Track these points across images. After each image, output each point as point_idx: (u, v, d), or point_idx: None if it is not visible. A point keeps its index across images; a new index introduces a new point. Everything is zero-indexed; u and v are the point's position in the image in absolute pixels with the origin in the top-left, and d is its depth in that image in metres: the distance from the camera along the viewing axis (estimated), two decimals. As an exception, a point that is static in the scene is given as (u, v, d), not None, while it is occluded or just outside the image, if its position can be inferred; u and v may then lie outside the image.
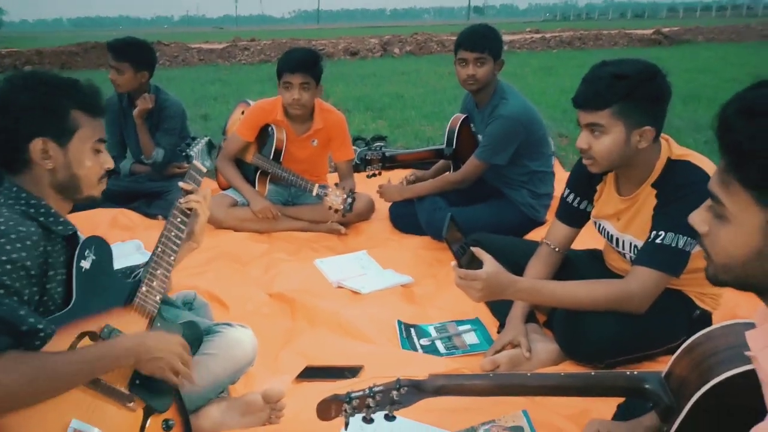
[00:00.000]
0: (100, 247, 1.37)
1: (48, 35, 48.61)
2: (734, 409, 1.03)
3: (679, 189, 1.64)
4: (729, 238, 0.84)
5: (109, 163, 1.39)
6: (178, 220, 1.53)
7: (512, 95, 2.75)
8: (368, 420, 1.22)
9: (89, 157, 1.33)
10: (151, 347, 1.29)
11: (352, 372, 1.80)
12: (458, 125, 3.00)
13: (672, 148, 1.74)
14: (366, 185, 3.48)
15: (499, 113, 2.68)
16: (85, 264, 1.32)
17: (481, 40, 2.67)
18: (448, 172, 3.01)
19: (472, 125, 2.97)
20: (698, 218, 0.90)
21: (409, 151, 3.06)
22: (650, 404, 1.21)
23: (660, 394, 1.17)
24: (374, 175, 3.02)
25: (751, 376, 0.96)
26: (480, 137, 2.83)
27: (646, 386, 1.19)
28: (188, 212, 1.53)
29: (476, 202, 2.86)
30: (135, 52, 3.19)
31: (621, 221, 1.83)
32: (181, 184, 1.54)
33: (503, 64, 2.74)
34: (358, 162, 3.06)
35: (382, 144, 4.76)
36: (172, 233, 1.51)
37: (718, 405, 1.08)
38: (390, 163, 3.01)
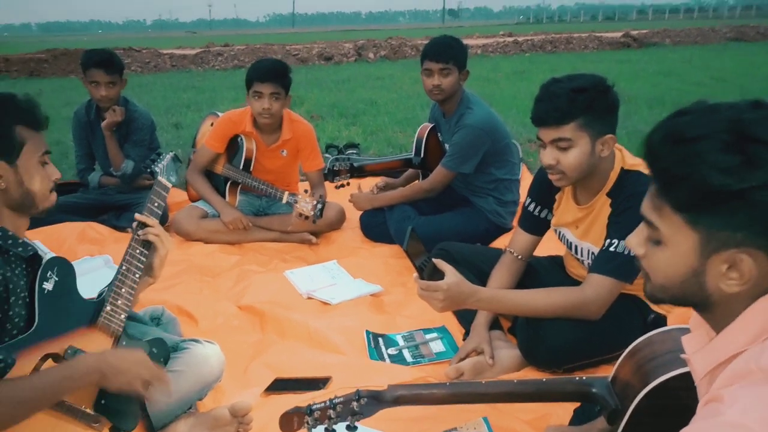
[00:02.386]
0: (63, 268, 1.37)
1: (15, 40, 47.57)
2: (674, 409, 1.08)
3: (631, 198, 1.71)
4: (665, 260, 0.88)
5: (56, 174, 1.40)
6: (138, 252, 1.52)
7: (477, 105, 2.81)
8: (330, 431, 1.26)
9: (38, 171, 1.34)
10: (115, 362, 1.28)
11: (320, 383, 1.83)
12: (426, 135, 3.06)
13: (625, 158, 1.81)
14: (337, 195, 3.52)
15: (464, 123, 2.74)
16: (48, 285, 1.32)
17: (445, 51, 2.73)
18: (417, 181, 3.06)
19: (439, 134, 3.03)
20: (634, 241, 0.93)
21: (377, 161, 3.11)
22: (598, 408, 1.27)
23: (606, 397, 1.23)
24: (342, 185, 3.06)
25: (688, 378, 1.02)
26: (447, 146, 2.89)
27: (593, 390, 1.25)
28: (148, 243, 1.51)
29: (445, 210, 2.91)
30: (120, 62, 3.20)
31: (579, 229, 1.90)
32: (137, 216, 1.52)
33: (468, 74, 2.81)
34: (325, 173, 3.10)
35: (354, 152, 4.80)
36: (137, 251, 1.52)
37: (659, 406, 1.14)
38: (358, 173, 3.05)
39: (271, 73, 2.81)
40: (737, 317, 0.85)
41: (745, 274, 0.81)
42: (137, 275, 1.49)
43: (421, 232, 2.38)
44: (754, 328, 0.83)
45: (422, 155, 3.06)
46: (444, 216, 2.87)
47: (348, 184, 3.07)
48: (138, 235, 1.49)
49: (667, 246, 0.87)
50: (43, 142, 1.37)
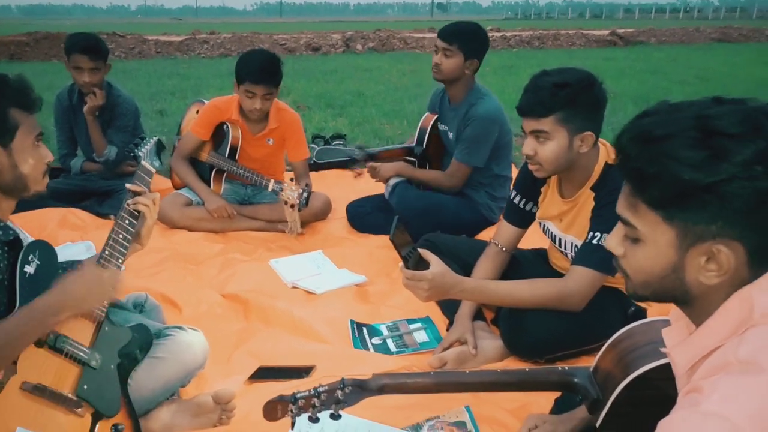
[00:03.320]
0: (45, 252, 1.36)
1: (-5, 23, 46.50)
2: (654, 400, 1.11)
3: (614, 192, 1.70)
4: (645, 257, 0.90)
5: (49, 156, 1.38)
6: (126, 222, 1.53)
7: (488, 96, 2.80)
8: (314, 419, 1.26)
9: (32, 154, 1.33)
10: (74, 292, 1.27)
11: (304, 372, 1.83)
12: (430, 125, 3.02)
13: (609, 153, 1.83)
14: (324, 185, 3.51)
15: (476, 113, 2.72)
16: (29, 269, 1.31)
17: (452, 33, 2.73)
18: (439, 171, 2.99)
19: (440, 124, 3.01)
20: (613, 242, 0.95)
21: (386, 149, 3.16)
22: (579, 397, 1.29)
23: (588, 387, 1.25)
24: (360, 174, 3.07)
25: (668, 369, 1.04)
26: (450, 134, 2.88)
27: (575, 380, 1.27)
28: (136, 214, 1.52)
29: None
30: (105, 47, 3.14)
31: (563, 222, 1.92)
32: (128, 185, 1.52)
33: (476, 64, 2.75)
34: (345, 160, 3.11)
35: (341, 142, 4.78)
36: (120, 235, 1.50)
37: (640, 396, 1.16)
38: (373, 160, 3.05)
39: (265, 75, 2.75)
40: (715, 312, 0.87)
41: (723, 265, 0.83)
42: (121, 260, 1.47)
43: (415, 203, 2.43)
44: (731, 322, 0.85)
45: (424, 146, 3.05)
46: (439, 196, 2.87)
47: (362, 173, 3.07)
48: (128, 205, 1.48)
49: (646, 243, 0.89)
50: (36, 124, 1.35)
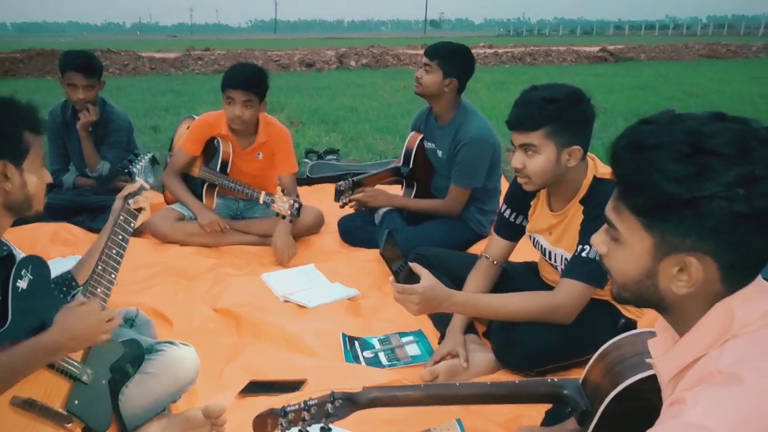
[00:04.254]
0: (38, 267, 1.36)
1: (-10, 40, 46.55)
2: (642, 411, 1.11)
3: (602, 206, 1.74)
4: (623, 260, 0.92)
5: (49, 177, 1.43)
6: (120, 237, 1.54)
7: (475, 115, 2.82)
8: (304, 433, 1.26)
9: (38, 175, 1.37)
10: (69, 329, 1.28)
11: (295, 386, 1.83)
12: (416, 145, 3.02)
13: (597, 167, 1.86)
14: (316, 199, 3.52)
15: (467, 136, 2.73)
16: (22, 284, 1.31)
17: (434, 50, 2.77)
18: (436, 200, 2.97)
19: (426, 143, 3.03)
20: (598, 240, 0.98)
21: (372, 174, 3.13)
22: (569, 409, 1.30)
23: (577, 399, 1.26)
24: (346, 203, 3.03)
25: (655, 380, 1.05)
26: (440, 152, 2.90)
27: (565, 392, 1.28)
28: (136, 213, 1.58)
29: (430, 219, 2.92)
30: (100, 65, 3.17)
31: (553, 235, 1.94)
32: (124, 190, 1.61)
33: (456, 83, 2.75)
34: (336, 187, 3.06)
35: (333, 157, 4.81)
36: (113, 251, 1.51)
37: (628, 407, 1.17)
38: (357, 187, 3.04)
39: (244, 81, 2.79)
40: (697, 322, 0.88)
41: (692, 277, 0.85)
42: (113, 275, 1.49)
43: (406, 243, 2.42)
44: (712, 332, 0.86)
45: (410, 166, 3.06)
46: (428, 226, 2.87)
47: (350, 201, 3.04)
48: (128, 204, 1.57)
49: (625, 246, 0.91)
50: (43, 146, 1.40)
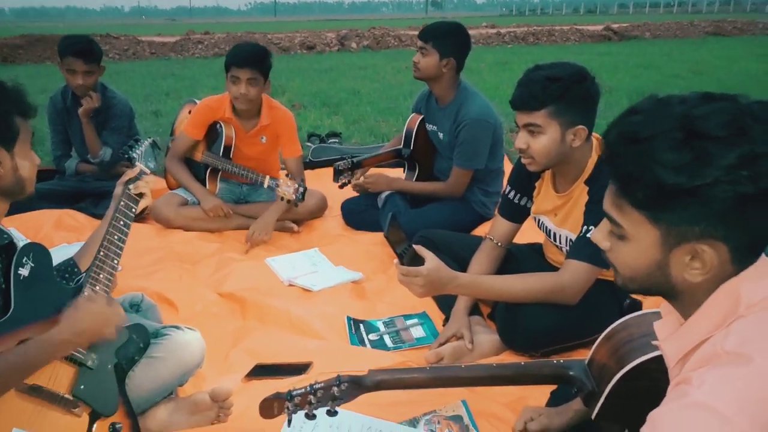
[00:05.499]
0: (39, 254, 1.36)
1: (-11, 26, 46.33)
2: (648, 391, 1.11)
3: (607, 186, 1.73)
4: (630, 255, 0.91)
5: (38, 160, 1.43)
6: (122, 223, 1.54)
7: (475, 95, 2.79)
8: (310, 416, 1.27)
9: (28, 158, 1.37)
10: (76, 327, 1.28)
11: (301, 369, 1.83)
12: (416, 126, 3.01)
13: (602, 147, 1.83)
14: (319, 183, 3.51)
15: (468, 116, 2.71)
16: (24, 271, 1.31)
17: (427, 32, 2.74)
18: (438, 182, 2.96)
19: (427, 124, 3.01)
20: (600, 236, 0.96)
21: (372, 155, 3.10)
22: (575, 389, 1.30)
23: (583, 380, 1.25)
24: (345, 184, 3.02)
25: (662, 361, 1.04)
26: (441, 134, 2.88)
27: (571, 373, 1.27)
28: (138, 198, 1.59)
29: (433, 201, 2.91)
30: (99, 50, 3.14)
31: (558, 217, 1.92)
32: (124, 176, 1.61)
33: (453, 63, 2.73)
34: (334, 167, 3.04)
35: (336, 140, 4.78)
36: (115, 236, 1.51)
37: (634, 387, 1.17)
38: (357, 168, 3.03)
39: (249, 58, 2.78)
40: (702, 305, 0.88)
41: (707, 264, 0.84)
42: (116, 261, 1.48)
43: (409, 226, 2.41)
44: (718, 314, 0.85)
45: (411, 147, 3.04)
46: (431, 208, 2.85)
47: (350, 181, 3.02)
48: (129, 190, 1.57)
49: (631, 241, 0.89)
50: (30, 128, 1.39)
